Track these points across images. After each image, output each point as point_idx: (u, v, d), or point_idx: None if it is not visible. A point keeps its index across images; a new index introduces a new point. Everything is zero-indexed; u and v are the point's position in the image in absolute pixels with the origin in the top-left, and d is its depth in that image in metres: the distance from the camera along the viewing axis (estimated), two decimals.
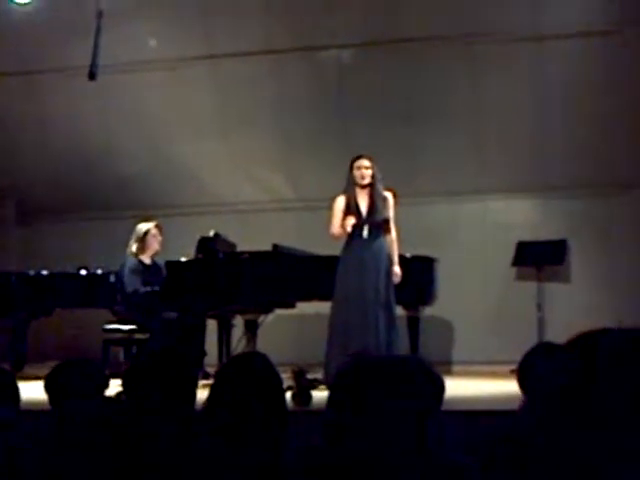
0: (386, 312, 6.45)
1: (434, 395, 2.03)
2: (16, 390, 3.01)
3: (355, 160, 6.62)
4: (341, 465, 1.93)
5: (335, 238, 6.64)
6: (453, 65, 8.70)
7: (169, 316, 7.38)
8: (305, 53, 9.03)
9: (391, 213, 6.64)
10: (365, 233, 6.53)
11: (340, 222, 6.54)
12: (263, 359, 2.49)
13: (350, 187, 6.60)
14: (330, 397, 2.08)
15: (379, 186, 6.60)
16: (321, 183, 8.32)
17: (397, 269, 6.61)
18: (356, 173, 6.58)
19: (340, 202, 6.62)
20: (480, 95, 8.75)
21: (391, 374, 1.99)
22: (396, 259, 6.64)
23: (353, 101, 9.01)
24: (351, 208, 6.54)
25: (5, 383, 2.97)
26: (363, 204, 6.57)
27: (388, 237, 6.64)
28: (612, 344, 1.32)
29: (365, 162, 6.58)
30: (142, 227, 7.81)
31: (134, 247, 7.73)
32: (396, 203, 6.69)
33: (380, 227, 6.57)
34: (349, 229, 6.47)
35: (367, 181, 6.56)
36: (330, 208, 6.67)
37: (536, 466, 2.10)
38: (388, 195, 6.65)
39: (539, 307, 8.57)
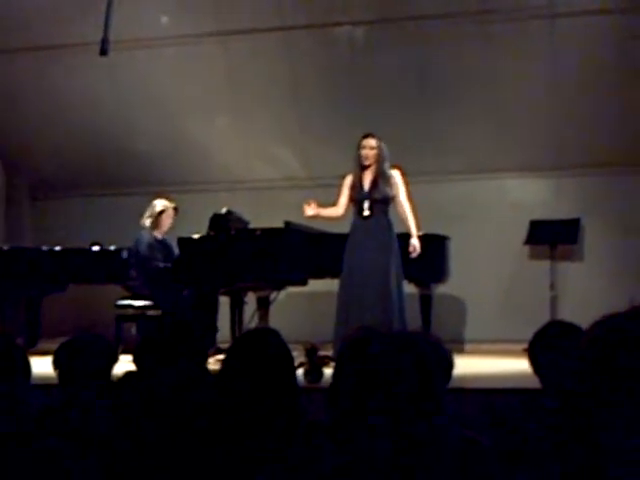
0: (384, 288, 6.37)
1: (441, 369, 2.02)
2: (28, 365, 3.01)
3: (362, 139, 6.59)
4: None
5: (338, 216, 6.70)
6: (467, 43, 8.62)
7: (182, 292, 7.39)
8: (317, 30, 8.96)
9: (401, 190, 6.61)
10: (366, 210, 6.52)
11: (345, 199, 6.62)
12: (275, 335, 2.48)
13: (357, 165, 6.60)
14: (334, 370, 2.07)
15: (384, 165, 6.55)
16: (333, 161, 8.28)
17: (415, 241, 6.61)
18: (361, 152, 6.55)
19: (347, 180, 6.66)
20: (495, 74, 8.67)
21: (396, 347, 1.98)
22: (414, 232, 6.64)
23: (365, 79, 8.95)
24: (354, 186, 6.57)
25: (17, 358, 2.97)
26: (367, 182, 6.56)
27: (401, 213, 6.63)
28: None
29: (371, 142, 6.55)
30: (159, 205, 7.77)
31: (148, 221, 7.70)
32: (406, 182, 6.65)
33: (382, 204, 6.55)
34: (324, 214, 6.64)
35: (369, 162, 6.54)
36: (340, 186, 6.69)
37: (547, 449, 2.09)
38: (395, 173, 6.61)
39: (552, 286, 8.54)
